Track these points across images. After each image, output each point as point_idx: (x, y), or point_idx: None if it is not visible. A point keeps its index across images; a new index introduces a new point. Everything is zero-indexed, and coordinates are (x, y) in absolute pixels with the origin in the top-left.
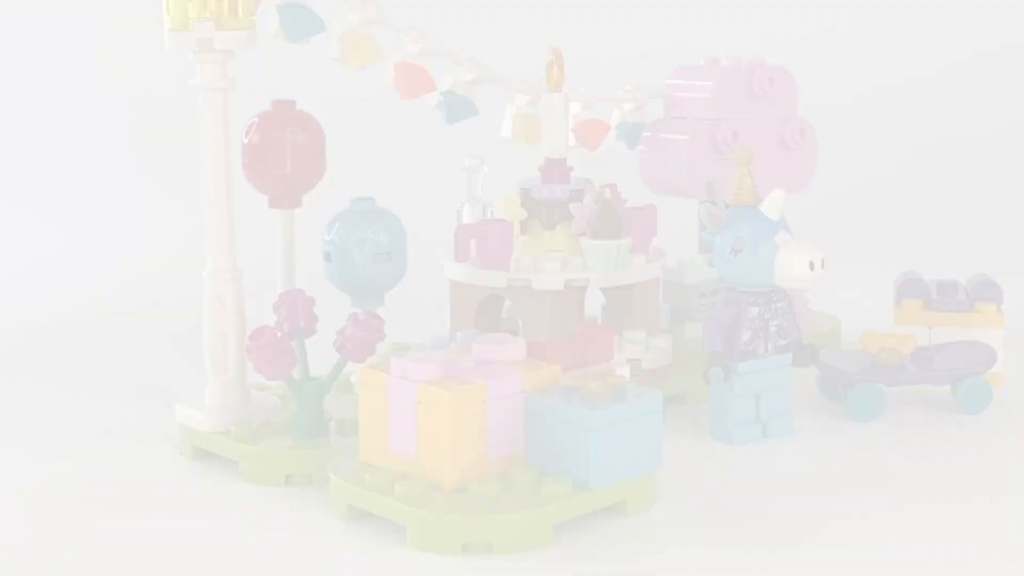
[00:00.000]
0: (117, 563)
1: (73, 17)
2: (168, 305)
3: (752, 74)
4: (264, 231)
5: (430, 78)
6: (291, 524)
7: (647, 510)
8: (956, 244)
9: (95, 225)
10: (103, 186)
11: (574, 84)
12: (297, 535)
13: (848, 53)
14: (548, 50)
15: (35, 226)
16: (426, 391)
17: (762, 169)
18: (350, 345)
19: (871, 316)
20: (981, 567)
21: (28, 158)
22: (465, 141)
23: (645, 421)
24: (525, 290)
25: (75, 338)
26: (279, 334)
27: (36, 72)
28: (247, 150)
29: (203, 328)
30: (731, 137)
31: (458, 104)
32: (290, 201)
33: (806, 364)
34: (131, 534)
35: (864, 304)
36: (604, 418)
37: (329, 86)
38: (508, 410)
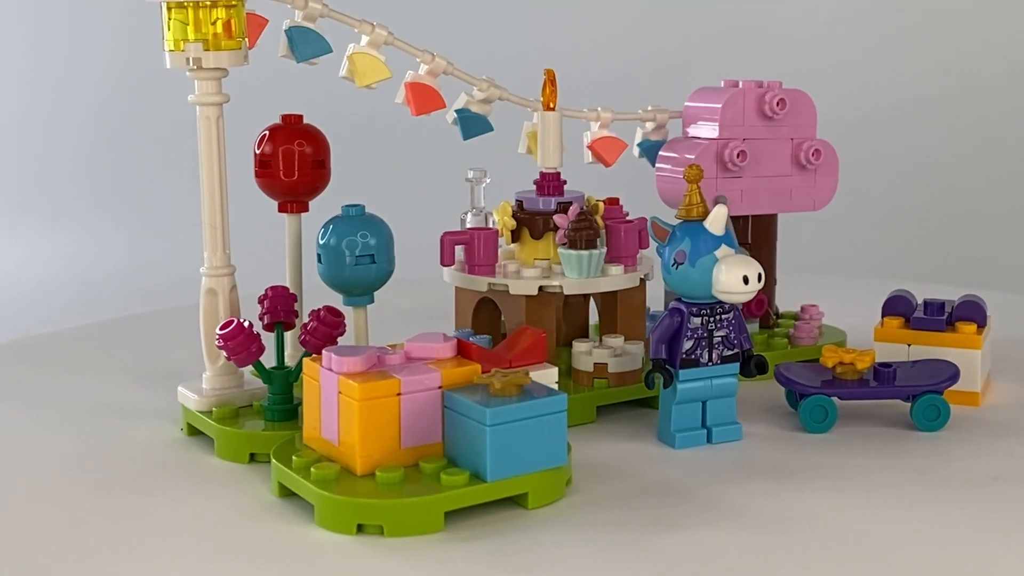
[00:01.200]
0: (52, 517)
1: (93, 36)
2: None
3: (763, 96)
4: (276, 234)
5: (438, 96)
6: (229, 498)
7: (551, 504)
8: (981, 262)
9: (117, 230)
10: (129, 194)
11: (595, 103)
12: (227, 508)
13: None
14: (544, 71)
15: (65, 231)
16: (344, 382)
17: (777, 187)
18: (311, 338)
19: None
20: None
21: (53, 171)
22: (471, 154)
23: (548, 420)
24: (505, 294)
25: (120, 328)
26: (246, 325)
27: (56, 90)
28: (258, 160)
29: (199, 318)
30: (737, 156)
31: (473, 121)
32: (297, 206)
33: (753, 375)
34: (90, 495)
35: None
36: (500, 415)
37: (343, 102)
38: (423, 403)
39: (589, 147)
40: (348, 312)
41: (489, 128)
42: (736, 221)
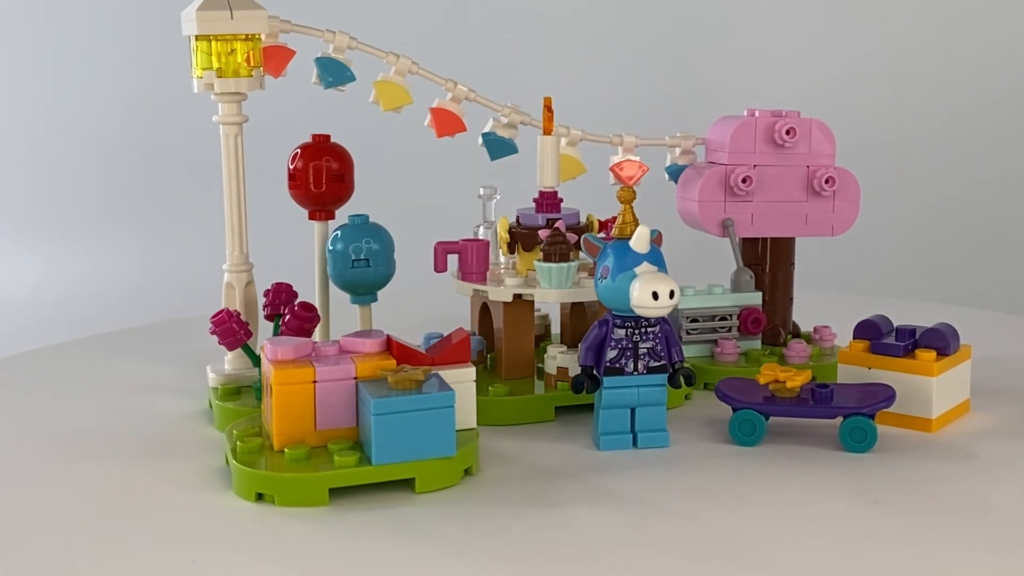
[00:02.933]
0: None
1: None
2: None
3: (774, 124)
4: (306, 238)
5: (459, 120)
6: (190, 464)
7: (437, 489)
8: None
9: (136, 244)
10: (150, 211)
11: (620, 130)
12: (175, 473)
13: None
14: (542, 99)
15: (84, 247)
16: (270, 368)
17: (790, 212)
18: (286, 329)
19: None
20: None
21: (73, 189)
22: (493, 172)
23: (435, 413)
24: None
25: (170, 326)
26: (233, 314)
27: (76, 111)
28: (290, 173)
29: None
30: (743, 181)
31: (499, 144)
32: (324, 214)
33: (680, 386)
34: (72, 456)
35: None
36: (386, 406)
37: (367, 124)
38: (336, 391)
39: (611, 169)
40: (354, 310)
41: (514, 150)
42: (753, 243)
